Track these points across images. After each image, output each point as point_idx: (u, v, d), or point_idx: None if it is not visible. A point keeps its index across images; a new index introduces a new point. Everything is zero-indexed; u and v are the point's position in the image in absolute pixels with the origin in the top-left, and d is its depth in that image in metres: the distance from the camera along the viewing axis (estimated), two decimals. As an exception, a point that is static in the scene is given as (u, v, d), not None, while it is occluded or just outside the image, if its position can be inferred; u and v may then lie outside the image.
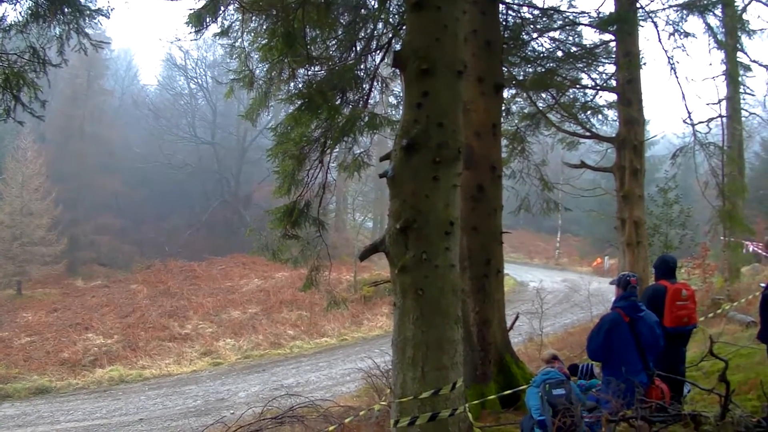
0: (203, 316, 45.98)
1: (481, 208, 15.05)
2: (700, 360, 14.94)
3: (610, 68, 22.29)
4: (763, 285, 11.26)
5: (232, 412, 22.94)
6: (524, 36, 20.48)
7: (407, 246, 8.40)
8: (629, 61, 20.79)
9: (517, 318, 20.08)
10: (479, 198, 14.97)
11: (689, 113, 23.05)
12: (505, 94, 22.54)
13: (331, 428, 15.12)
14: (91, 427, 26.02)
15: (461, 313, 14.70)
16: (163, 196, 69.70)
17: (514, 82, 21.36)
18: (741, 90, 35.82)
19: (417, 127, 8.35)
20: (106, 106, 74.70)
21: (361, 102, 16.66)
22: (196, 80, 77.75)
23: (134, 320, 44.70)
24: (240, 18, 14.66)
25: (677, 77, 23.99)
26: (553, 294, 47.54)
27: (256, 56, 15.46)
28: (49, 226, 54.08)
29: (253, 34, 15.20)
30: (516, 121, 23.80)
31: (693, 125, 22.97)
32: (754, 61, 29.39)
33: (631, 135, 20.66)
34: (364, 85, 16.31)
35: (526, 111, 23.59)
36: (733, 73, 33.27)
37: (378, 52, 16.66)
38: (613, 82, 22.01)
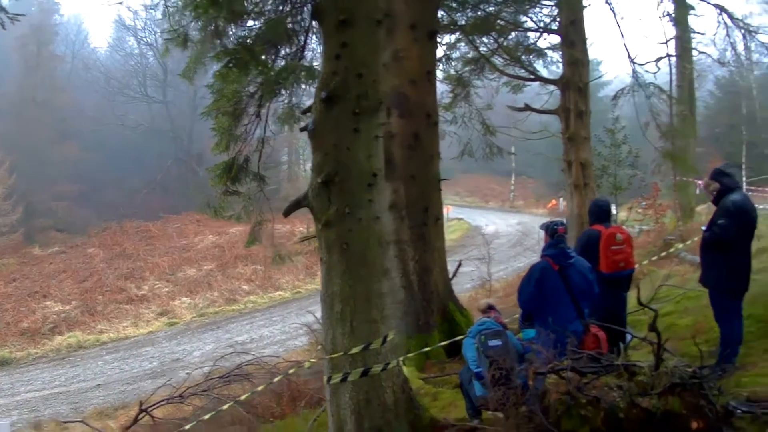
0: (159, 275, 45.82)
1: (418, 156, 15.03)
2: (642, 306, 14.93)
3: (554, 11, 22.21)
4: (704, 228, 11.17)
5: (187, 372, 22.79)
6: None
7: (330, 200, 8.27)
8: (570, 2, 20.66)
9: (459, 265, 20.01)
10: (415, 146, 14.94)
11: (629, 53, 23.01)
12: (447, 39, 22.48)
13: (259, 388, 15.16)
14: (50, 395, 26.04)
15: (400, 263, 14.83)
16: (119, 158, 68.64)
17: (453, 27, 21.22)
18: (691, 29, 35.85)
19: (336, 79, 8.17)
20: (58, 72, 73.70)
21: (298, 56, 16.52)
22: (144, 39, 76.70)
23: (91, 285, 44.53)
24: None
25: (615, 14, 23.72)
26: (507, 238, 47.82)
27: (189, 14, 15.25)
28: (4, 196, 53.54)
29: (182, -9, 14.98)
30: (459, 66, 23.67)
31: (634, 64, 22.86)
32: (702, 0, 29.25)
33: (575, 76, 20.58)
34: (299, 38, 16.15)
35: (469, 56, 23.42)
36: (681, 13, 33.27)
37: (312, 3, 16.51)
38: (556, 25, 21.89)
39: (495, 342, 9.33)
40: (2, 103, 63.99)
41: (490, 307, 10.51)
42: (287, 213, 9.48)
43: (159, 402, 18.44)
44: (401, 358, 9.43)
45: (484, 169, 68.59)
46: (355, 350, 8.29)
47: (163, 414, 18.35)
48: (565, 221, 10.51)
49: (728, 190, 10.40)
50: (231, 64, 11.83)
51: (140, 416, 17.87)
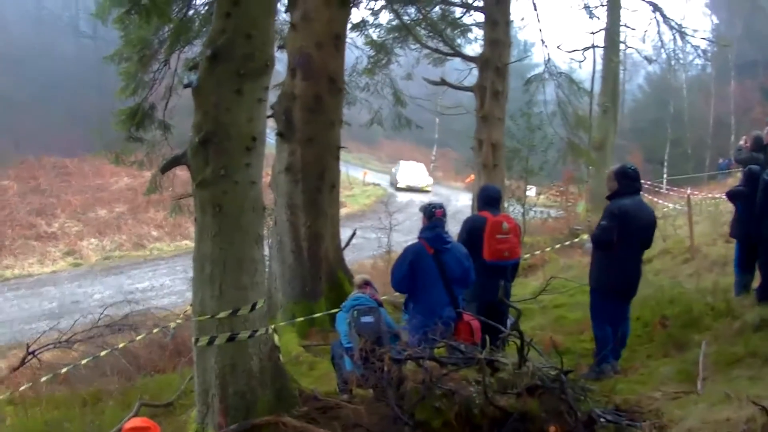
0: (70, 214, 45.64)
1: (318, 120, 14.99)
2: (537, 293, 14.98)
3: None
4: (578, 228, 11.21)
5: (83, 316, 22.61)
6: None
7: (207, 160, 8.12)
8: (495, -20, 20.67)
9: (353, 234, 19.99)
10: (316, 109, 14.89)
11: (543, 39, 23.05)
12: (372, 4, 22.40)
13: (137, 338, 15.09)
14: (-56, 332, 25.51)
15: (291, 228, 14.79)
16: (42, 87, 67.23)
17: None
18: (621, 23, 36.16)
19: (223, 36, 8.00)
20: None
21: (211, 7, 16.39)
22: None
23: (2, 218, 44.31)
24: None
25: (534, 4, 23.72)
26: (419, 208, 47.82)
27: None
28: None
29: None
30: (383, 33, 23.63)
31: (548, 53, 23.00)
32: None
33: (495, 56, 20.52)
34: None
35: (394, 24, 23.38)
36: (612, 5, 33.54)
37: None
38: (481, 3, 21.88)
39: (367, 319, 9.34)
40: None
41: (366, 283, 10.46)
42: (164, 169, 9.44)
43: (47, 345, 18.35)
44: (273, 326, 9.38)
45: (409, 137, 68.67)
46: (222, 315, 8.22)
47: (50, 358, 18.29)
48: (443, 206, 10.37)
49: (623, 193, 10.43)
50: (133, 11, 11.64)
51: (28, 359, 17.76)
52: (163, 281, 31.44)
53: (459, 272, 9.65)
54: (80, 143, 57.91)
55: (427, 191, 60.48)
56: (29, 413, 13.47)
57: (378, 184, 61.82)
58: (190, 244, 38.94)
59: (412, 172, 64.97)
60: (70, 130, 62.33)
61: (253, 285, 8.45)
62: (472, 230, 10.87)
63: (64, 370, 14.40)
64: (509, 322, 10.44)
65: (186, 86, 8.71)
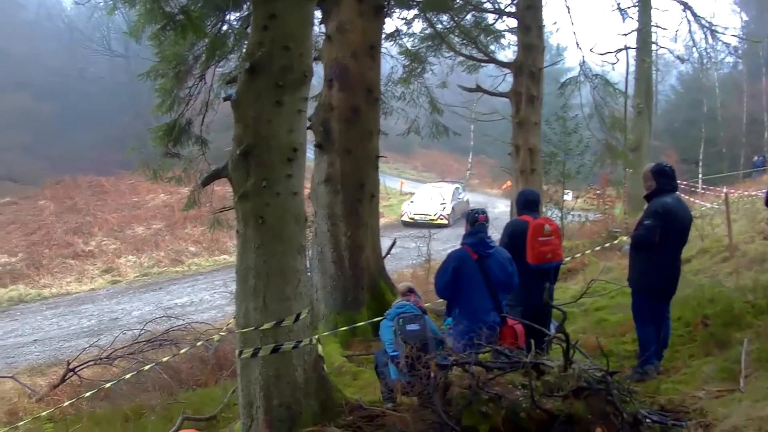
0: (108, 232, 45.61)
1: (356, 130, 15.03)
2: (579, 296, 14.90)
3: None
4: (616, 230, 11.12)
5: (123, 332, 22.68)
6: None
7: (248, 172, 8.15)
8: (527, -14, 20.64)
9: (393, 243, 19.95)
10: (354, 121, 14.93)
11: (577, 42, 23.11)
12: (405, 14, 22.41)
13: (165, 358, 15.10)
14: (-16, 349, 25.66)
15: (332, 238, 14.78)
16: (76, 110, 67.77)
17: (410, 2, 21.13)
18: (652, 23, 36.00)
19: (261, 49, 8.04)
20: (19, 19, 73.06)
21: (246, 22, 16.43)
22: (111, -8, 75.59)
23: (39, 237, 44.34)
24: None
25: (567, 6, 23.66)
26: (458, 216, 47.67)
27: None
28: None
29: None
30: (416, 42, 23.60)
31: (583, 53, 22.92)
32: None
33: (529, 61, 20.46)
34: (247, 4, 16.07)
35: (427, 32, 23.34)
36: (643, 6, 33.39)
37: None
38: (514, 8, 21.83)
39: (412, 326, 9.27)
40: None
41: (410, 290, 10.41)
42: (205, 183, 9.42)
43: (87, 362, 18.39)
44: (317, 336, 9.32)
45: (443, 146, 68.49)
46: (266, 326, 8.22)
47: (91, 374, 18.28)
48: (486, 211, 10.32)
49: (662, 191, 10.34)
50: (168, 27, 11.66)
51: (68, 376, 17.81)
52: (203, 296, 31.31)
53: (503, 277, 9.61)
54: (115, 162, 58.15)
55: (441, 224, 46.83)
56: (70, 431, 13.55)
57: (414, 194, 61.09)
58: (228, 258, 39.17)
59: (425, 200, 50.38)
60: (105, 149, 62.74)
61: (296, 296, 8.45)
62: (514, 234, 10.83)
63: (108, 384, 14.41)
64: (552, 326, 10.42)
65: (225, 99, 8.73)
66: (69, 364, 18.04)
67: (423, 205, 49.50)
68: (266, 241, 8.24)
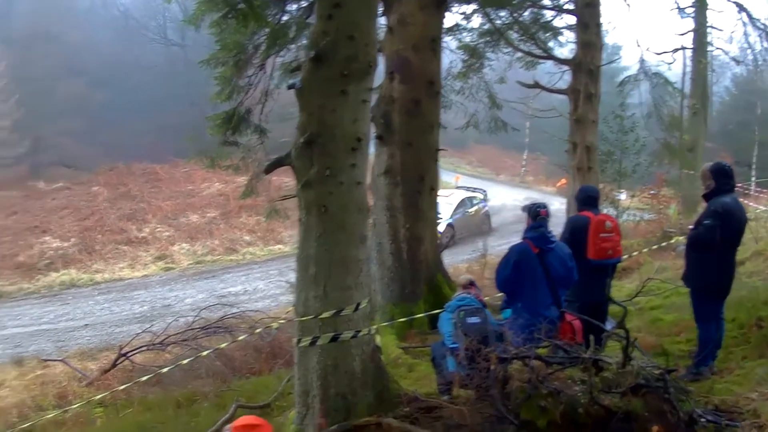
0: (161, 219, 45.77)
1: (417, 123, 15.00)
2: (634, 295, 14.81)
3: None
4: (691, 227, 11.04)
5: (175, 318, 22.76)
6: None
7: (312, 161, 8.20)
8: (586, -16, 20.55)
9: (452, 237, 19.90)
10: (415, 113, 14.90)
11: (638, 41, 22.96)
12: (464, 9, 22.36)
13: (223, 345, 15.15)
14: (37, 332, 26.06)
15: (391, 230, 14.77)
16: (130, 98, 67.57)
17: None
18: (708, 24, 35.77)
19: (326, 38, 8.08)
20: (75, 7, 73.47)
21: (306, 12, 16.48)
22: (167, -20, 75.71)
23: (92, 223, 44.57)
24: None
25: (628, 5, 23.64)
26: (513, 212, 47.09)
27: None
28: (10, 128, 53.38)
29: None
30: (475, 37, 23.54)
31: (642, 52, 22.85)
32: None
33: (587, 59, 20.40)
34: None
35: (485, 27, 23.28)
36: (699, 6, 33.17)
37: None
38: (572, 5, 21.76)
39: (473, 319, 9.29)
40: (13, 33, 63.29)
41: (471, 283, 10.39)
42: (268, 170, 9.44)
43: (139, 348, 18.49)
44: (375, 326, 9.41)
45: (498, 142, 68.16)
46: (326, 315, 8.25)
47: (143, 360, 18.38)
48: (547, 205, 10.30)
49: (721, 191, 10.28)
50: (230, 15, 11.72)
51: (119, 361, 17.90)
52: (257, 285, 31.31)
53: (563, 272, 9.60)
54: (170, 150, 58.24)
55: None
56: (120, 415, 13.65)
57: None
58: (283, 248, 39.43)
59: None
60: (159, 137, 62.78)
61: (357, 285, 8.50)
62: (575, 230, 10.85)
63: (165, 369, 14.51)
64: (608, 323, 10.39)
65: (289, 87, 8.75)
66: (121, 348, 18.18)
67: None
68: (328, 230, 8.29)
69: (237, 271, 35.04)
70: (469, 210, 40.76)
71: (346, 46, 8.07)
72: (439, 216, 34.99)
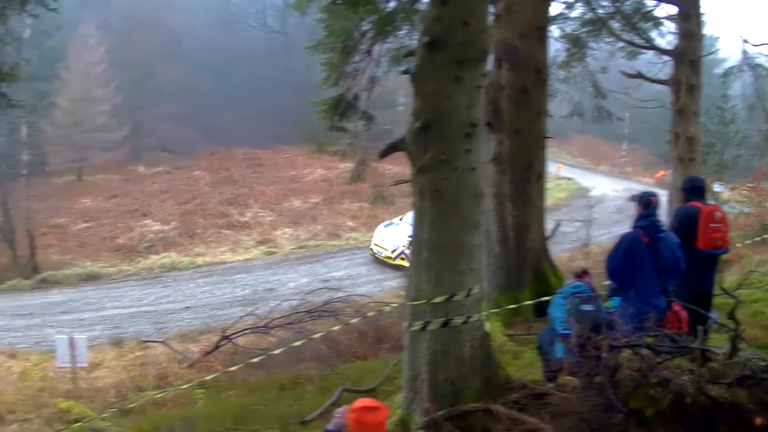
0: (264, 204, 46.09)
1: (525, 111, 14.83)
2: (736, 287, 14.72)
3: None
4: None
5: (278, 302, 22.98)
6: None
7: (427, 146, 8.25)
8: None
9: (558, 226, 19.83)
10: (523, 101, 14.74)
11: (744, 40, 22.66)
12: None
13: (335, 327, 15.24)
14: (137, 314, 26.51)
15: (498, 217, 14.78)
16: (230, 83, 67.93)
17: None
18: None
19: (440, 24, 8.13)
20: (176, -8, 74.17)
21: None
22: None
23: (193, 207, 45.24)
24: None
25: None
26: (613, 203, 46.66)
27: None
28: (111, 113, 54.07)
29: None
30: (577, 26, 23.48)
31: (744, 44, 22.53)
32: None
33: (689, 49, 20.25)
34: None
35: (587, 17, 23.20)
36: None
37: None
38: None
39: (587, 307, 9.28)
40: (113, 19, 64.28)
41: (585, 272, 10.38)
42: (383, 155, 9.45)
43: (243, 330, 18.71)
44: (485, 313, 9.34)
45: (597, 132, 67.58)
46: (438, 299, 8.29)
47: (245, 342, 18.57)
48: (657, 194, 10.25)
49: None
50: (338, 1, 11.83)
51: (222, 343, 18.12)
52: (360, 270, 31.46)
53: (671, 261, 9.56)
54: (271, 135, 58.62)
55: (400, 265, 29.07)
56: (222, 396, 13.94)
57: (571, 179, 59.68)
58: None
59: (393, 229, 33.17)
60: (260, 123, 63.04)
61: (469, 271, 8.50)
62: (686, 220, 10.79)
63: (277, 351, 14.57)
64: (713, 314, 10.36)
65: (403, 73, 8.85)
66: (224, 331, 18.44)
67: (385, 235, 33.33)
68: (442, 215, 8.34)
69: (340, 256, 35.04)
70: None
71: (461, 32, 8.08)
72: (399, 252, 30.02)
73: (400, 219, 33.56)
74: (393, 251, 31.18)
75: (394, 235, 32.00)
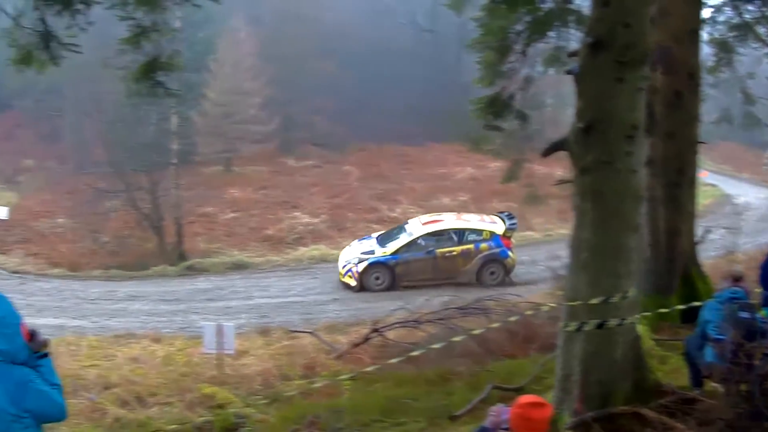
0: (413, 200, 45.87)
1: (678, 115, 14.72)
2: None
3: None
4: None
5: (426, 298, 23.33)
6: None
7: (589, 147, 8.31)
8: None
9: (708, 232, 19.59)
10: (676, 105, 14.64)
11: None
12: (715, 1, 22.02)
13: (494, 324, 15.28)
14: (284, 304, 26.93)
15: (650, 221, 14.72)
16: (379, 80, 67.93)
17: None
18: None
19: (602, 25, 8.22)
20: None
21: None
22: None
23: (343, 201, 45.37)
24: None
25: None
26: (757, 211, 45.53)
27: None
28: (261, 106, 54.51)
29: None
30: (725, 30, 23.16)
31: None
32: None
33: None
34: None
35: (734, 21, 22.88)
36: None
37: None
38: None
39: (744, 314, 9.09)
40: (264, 14, 65.21)
41: (741, 277, 10.28)
42: (546, 154, 9.49)
43: (393, 324, 18.84)
44: (637, 316, 9.31)
45: (741, 139, 66.12)
46: (594, 301, 8.29)
47: (395, 336, 18.71)
48: None
49: None
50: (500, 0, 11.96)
51: (372, 335, 18.28)
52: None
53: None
54: (421, 133, 58.64)
55: (347, 284, 29.17)
56: (369, 389, 14.05)
57: (715, 185, 58.39)
58: (534, 235, 39.27)
59: (356, 244, 31.68)
60: (409, 120, 63.09)
61: (627, 273, 8.52)
62: None
63: (437, 345, 14.44)
64: None
65: (567, 73, 8.91)
66: (375, 324, 18.65)
67: (348, 250, 31.20)
68: (603, 217, 8.40)
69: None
70: (437, 250, 29.44)
71: (623, 33, 8.10)
72: (369, 251, 29.27)
73: (376, 235, 32.10)
74: (343, 267, 29.20)
75: (350, 251, 30.35)
